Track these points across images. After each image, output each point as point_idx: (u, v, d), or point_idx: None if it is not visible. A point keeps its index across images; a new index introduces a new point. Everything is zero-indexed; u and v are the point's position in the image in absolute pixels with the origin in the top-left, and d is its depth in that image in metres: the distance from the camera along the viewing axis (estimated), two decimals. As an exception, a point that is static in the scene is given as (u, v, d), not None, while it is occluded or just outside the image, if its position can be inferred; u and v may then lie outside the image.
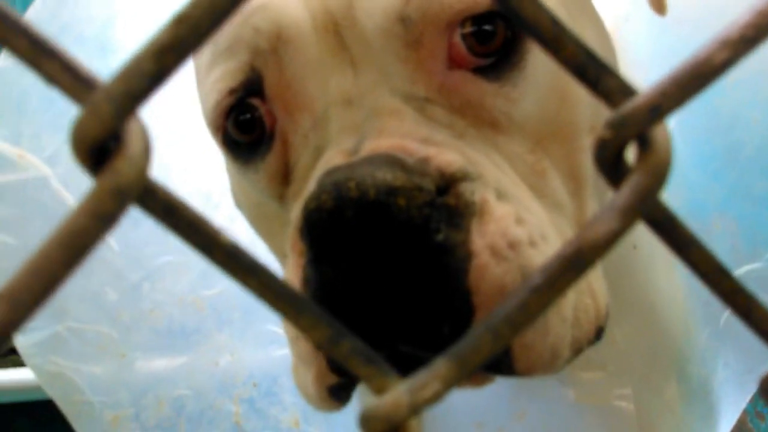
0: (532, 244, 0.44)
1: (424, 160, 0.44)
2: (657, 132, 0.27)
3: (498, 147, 0.49)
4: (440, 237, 0.41)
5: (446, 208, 0.42)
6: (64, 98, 0.23)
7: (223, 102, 0.54)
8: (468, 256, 0.42)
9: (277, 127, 0.53)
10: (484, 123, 0.49)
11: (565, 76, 0.48)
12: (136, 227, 0.92)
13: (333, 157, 0.46)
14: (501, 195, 0.45)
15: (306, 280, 0.43)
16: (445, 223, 0.42)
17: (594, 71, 0.27)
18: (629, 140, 0.27)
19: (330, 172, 0.43)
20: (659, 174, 0.27)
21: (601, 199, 0.55)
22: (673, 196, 0.77)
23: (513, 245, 0.43)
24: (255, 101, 0.53)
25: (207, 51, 0.55)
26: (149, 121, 0.23)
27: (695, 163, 0.76)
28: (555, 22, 0.26)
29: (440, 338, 0.41)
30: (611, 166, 0.28)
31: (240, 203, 0.63)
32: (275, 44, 0.49)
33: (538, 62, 0.49)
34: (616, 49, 0.69)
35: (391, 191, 0.40)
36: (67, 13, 1.11)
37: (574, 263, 0.26)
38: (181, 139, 0.90)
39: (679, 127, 0.76)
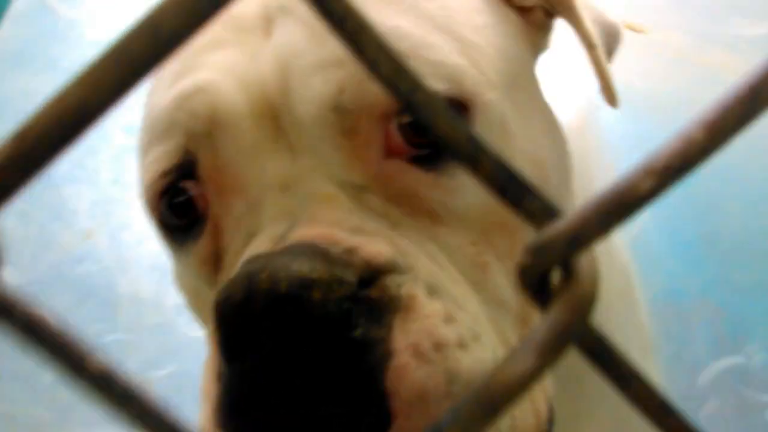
0: (462, 345, 0.42)
1: (350, 251, 0.42)
2: (580, 260, 0.25)
3: (436, 238, 0.47)
4: (358, 333, 0.39)
5: (368, 302, 0.40)
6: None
7: (156, 184, 0.52)
8: (387, 355, 0.39)
9: (210, 211, 0.51)
10: (422, 213, 0.47)
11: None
12: (81, 303, 0.88)
13: (259, 245, 0.45)
14: (432, 290, 0.43)
15: (219, 376, 0.41)
16: (365, 318, 0.40)
17: (515, 191, 0.25)
18: (551, 266, 0.25)
19: (248, 262, 0.42)
20: (582, 305, 0.25)
21: None
22: (651, 284, 0.76)
23: (439, 346, 0.41)
24: (189, 184, 0.51)
25: (145, 132, 0.54)
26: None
27: (673, 252, 0.74)
28: (472, 139, 0.24)
29: None
30: (536, 292, 0.25)
31: (179, 287, 0.61)
32: (210, 128, 0.48)
33: None
34: (591, 132, 0.68)
35: (306, 284, 0.38)
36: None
37: (486, 407, 0.23)
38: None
39: (654, 215, 0.75)
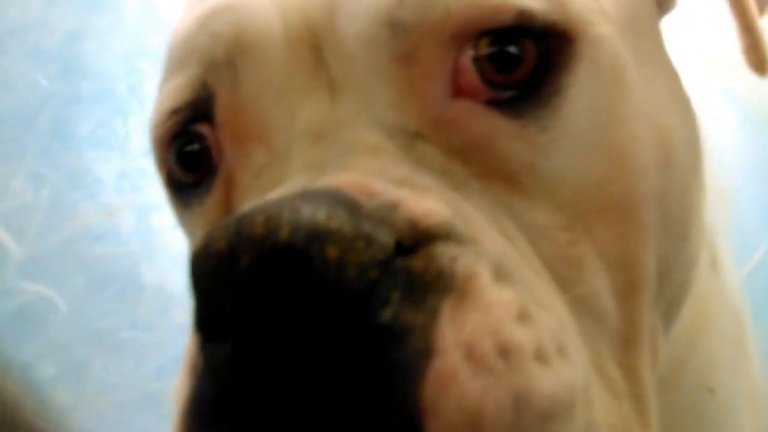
0: (540, 358, 0.32)
1: (390, 205, 0.33)
2: None
3: (513, 211, 0.38)
4: (386, 315, 0.30)
5: (407, 275, 0.31)
6: None
7: (164, 124, 0.44)
8: (427, 352, 0.30)
9: (224, 163, 0.44)
10: (496, 175, 0.38)
11: (624, 128, 0.38)
12: (99, 289, 0.79)
13: (274, 194, 0.37)
14: (502, 274, 0.34)
15: (194, 365, 0.33)
16: (400, 295, 0.31)
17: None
18: None
19: (249, 206, 0.33)
20: None
21: (665, 314, 0.44)
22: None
23: (506, 351, 0.31)
24: (204, 128, 0.44)
25: (165, 62, 0.47)
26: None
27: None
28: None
29: None
30: None
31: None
32: (232, 54, 0.41)
33: (580, 104, 0.39)
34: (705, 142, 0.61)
35: (317, 235, 0.30)
36: (14, 14, 1.04)
37: None
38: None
39: None
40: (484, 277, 0.33)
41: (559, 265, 0.38)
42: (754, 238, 0.84)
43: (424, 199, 0.34)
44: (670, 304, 0.44)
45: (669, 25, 0.48)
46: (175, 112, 0.43)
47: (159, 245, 0.89)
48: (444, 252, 0.32)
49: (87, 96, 1.04)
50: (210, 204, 0.44)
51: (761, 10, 0.51)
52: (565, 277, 0.38)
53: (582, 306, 0.38)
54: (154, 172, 0.47)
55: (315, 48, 0.40)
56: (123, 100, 1.03)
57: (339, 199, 0.31)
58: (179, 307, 0.84)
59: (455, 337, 0.31)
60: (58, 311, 0.83)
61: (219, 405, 0.31)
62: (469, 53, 0.38)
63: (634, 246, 0.40)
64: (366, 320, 0.30)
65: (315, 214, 0.30)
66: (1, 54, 1.08)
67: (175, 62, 0.44)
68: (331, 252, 0.29)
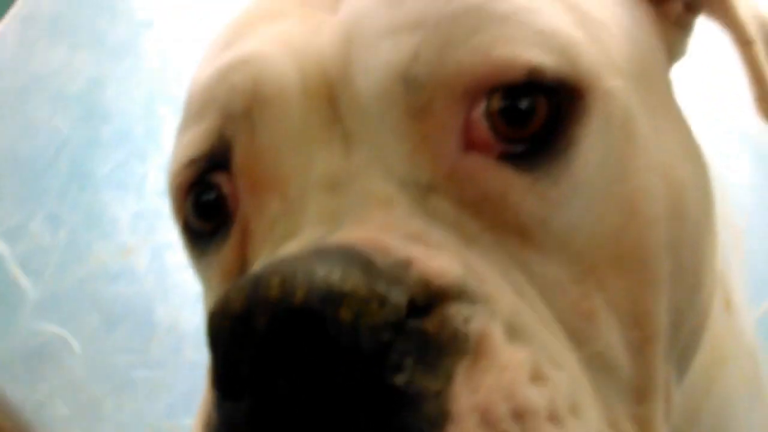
0: (554, 418, 0.32)
1: (404, 264, 0.33)
2: None
3: (526, 265, 0.38)
4: (400, 379, 0.30)
5: (420, 337, 0.31)
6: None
7: (182, 174, 0.45)
8: (442, 418, 0.30)
9: (240, 211, 0.44)
10: (508, 229, 0.38)
11: (635, 180, 0.37)
12: (112, 327, 0.78)
13: (287, 249, 0.37)
14: (516, 333, 0.34)
15: (209, 420, 0.33)
16: (414, 358, 0.31)
17: None
18: None
19: (262, 265, 0.34)
20: None
21: (678, 363, 0.43)
22: None
23: (520, 414, 0.31)
24: (221, 178, 0.44)
25: (183, 112, 0.47)
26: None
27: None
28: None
29: None
30: None
31: (206, 310, 0.52)
32: (250, 106, 0.41)
33: (591, 157, 0.39)
34: (719, 189, 0.60)
35: (332, 297, 0.30)
36: (38, 61, 1.06)
37: None
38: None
39: None
40: (497, 336, 0.33)
41: (572, 319, 0.38)
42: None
43: (438, 256, 0.34)
44: (684, 353, 0.44)
45: (682, 65, 0.49)
46: (192, 162, 0.44)
47: (172, 284, 0.89)
48: (457, 312, 0.32)
49: (106, 139, 1.06)
50: (226, 253, 0.44)
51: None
52: (578, 332, 0.38)
53: (595, 361, 0.38)
54: (168, 212, 0.47)
55: (331, 100, 0.40)
56: (141, 142, 1.04)
57: (353, 258, 0.32)
58: (191, 345, 0.84)
59: (470, 401, 0.31)
60: (72, 350, 0.83)
61: None
62: (481, 107, 0.38)
63: (646, 298, 0.39)
64: (380, 384, 0.30)
65: (329, 275, 0.30)
66: (24, 100, 1.10)
67: (194, 112, 0.44)
68: (346, 314, 0.30)
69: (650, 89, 0.43)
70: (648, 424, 0.37)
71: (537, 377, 0.33)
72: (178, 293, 0.88)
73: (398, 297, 0.31)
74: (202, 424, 0.34)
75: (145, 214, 0.96)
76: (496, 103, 0.38)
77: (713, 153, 0.71)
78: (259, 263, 0.39)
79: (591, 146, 0.38)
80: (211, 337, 0.32)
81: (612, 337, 0.38)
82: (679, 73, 0.47)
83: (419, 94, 0.38)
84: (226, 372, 0.31)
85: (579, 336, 0.37)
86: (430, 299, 0.32)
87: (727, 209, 0.66)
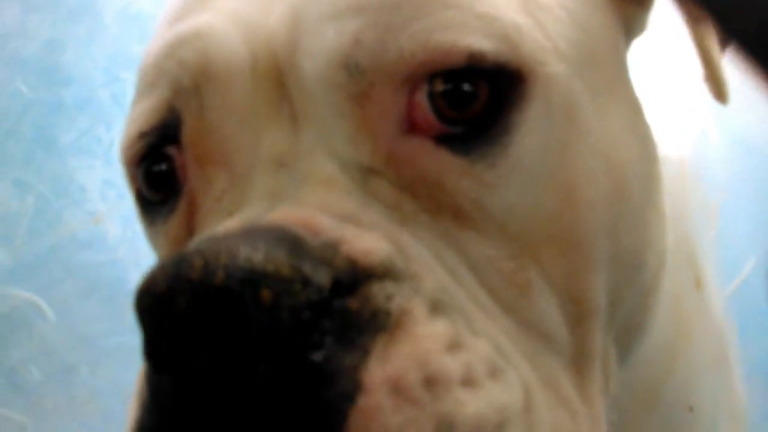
0: (469, 383, 0.33)
1: (333, 244, 0.34)
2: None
3: (460, 244, 0.38)
4: (318, 357, 0.31)
5: (343, 316, 0.32)
6: None
7: (134, 146, 0.45)
8: (355, 391, 0.31)
9: (188, 184, 0.44)
10: (444, 210, 0.39)
11: (575, 164, 0.38)
12: (86, 295, 0.78)
13: (224, 227, 0.38)
14: (438, 308, 0.34)
15: (142, 386, 0.34)
16: (334, 336, 0.32)
17: None
18: None
19: (192, 244, 0.35)
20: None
21: (619, 340, 0.44)
22: (751, 347, 0.70)
23: (432, 381, 0.32)
24: (172, 150, 0.44)
25: (136, 85, 0.47)
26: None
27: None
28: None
29: None
30: None
31: None
32: (199, 81, 0.42)
33: (530, 141, 0.39)
34: (692, 166, 0.61)
35: (252, 278, 0.31)
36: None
37: None
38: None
39: (758, 264, 0.69)
40: (418, 312, 0.34)
41: (505, 292, 0.39)
42: (742, 254, 0.83)
43: (367, 236, 0.35)
44: (626, 329, 0.45)
45: (654, 39, 0.49)
46: (143, 135, 0.44)
47: (146, 252, 0.88)
48: (380, 290, 0.33)
49: (69, 104, 1.03)
50: (173, 223, 0.45)
51: (722, 45, 0.50)
52: (511, 303, 0.39)
53: (531, 328, 0.39)
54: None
55: (279, 80, 0.41)
56: (105, 108, 1.02)
57: (282, 238, 0.33)
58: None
59: (382, 373, 0.32)
60: (45, 317, 0.83)
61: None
62: (423, 90, 0.39)
63: (582, 277, 0.40)
64: (298, 362, 0.31)
65: (252, 256, 0.31)
66: None
67: (145, 85, 0.44)
68: (265, 295, 0.30)
69: (598, 71, 0.43)
70: (586, 392, 0.38)
71: (454, 346, 0.34)
72: (152, 261, 0.87)
73: (322, 277, 0.32)
74: (136, 393, 0.35)
75: (114, 181, 0.95)
76: (438, 86, 0.38)
77: (687, 129, 0.72)
78: (195, 238, 0.40)
79: (530, 130, 0.39)
80: (137, 314, 0.32)
81: (548, 308, 0.39)
82: (652, 48, 0.48)
83: (360, 80, 0.38)
84: (151, 348, 0.32)
85: (512, 305, 0.38)
86: (356, 278, 0.33)
87: (701, 187, 0.65)
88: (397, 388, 0.32)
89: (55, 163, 0.97)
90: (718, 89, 0.50)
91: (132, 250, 0.91)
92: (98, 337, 0.80)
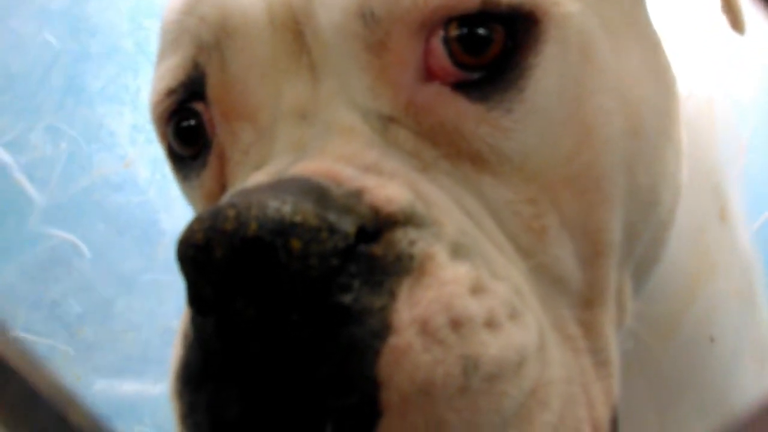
0: (492, 324, 0.34)
1: (356, 193, 0.35)
2: None
3: (480, 189, 0.39)
4: (347, 299, 0.32)
5: (368, 261, 0.33)
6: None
7: (162, 103, 0.46)
8: (384, 330, 0.32)
9: (216, 138, 0.45)
10: (463, 156, 0.39)
11: (591, 102, 0.38)
12: (120, 234, 0.82)
13: (255, 180, 0.39)
14: (459, 252, 0.35)
15: (187, 328, 0.36)
16: (361, 280, 0.33)
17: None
18: None
19: (226, 197, 0.36)
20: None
21: (636, 273, 0.44)
22: None
23: (458, 323, 0.33)
24: (199, 106, 0.45)
25: (159, 41, 0.48)
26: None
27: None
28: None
29: None
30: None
31: None
32: (219, 37, 0.42)
33: (545, 84, 0.39)
34: (720, 103, 0.60)
35: (282, 228, 0.32)
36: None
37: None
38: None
39: None
40: (440, 257, 0.34)
41: (524, 237, 0.39)
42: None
43: (389, 185, 0.36)
44: (643, 263, 0.45)
45: None
46: (171, 92, 0.45)
47: (175, 194, 0.91)
48: (404, 236, 0.34)
49: (96, 53, 1.06)
50: (206, 177, 0.46)
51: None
52: (529, 248, 0.39)
53: (545, 273, 0.39)
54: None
55: (297, 32, 0.41)
56: (131, 56, 1.05)
57: (308, 189, 0.34)
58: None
59: (410, 314, 0.33)
60: (82, 255, 0.87)
61: (205, 370, 0.34)
62: (439, 36, 0.38)
63: (599, 215, 0.40)
64: (328, 304, 0.32)
65: (282, 207, 0.32)
66: (8, 15, 1.09)
67: (168, 43, 0.45)
68: (295, 244, 0.32)
69: (615, 9, 0.42)
70: (595, 328, 0.39)
71: (477, 289, 0.35)
72: (181, 202, 0.89)
73: (347, 225, 0.33)
74: (181, 336, 0.36)
75: (142, 126, 0.98)
76: (454, 30, 0.38)
77: (720, 69, 0.71)
78: (228, 192, 0.41)
79: (545, 73, 0.39)
80: (179, 264, 0.34)
81: (562, 251, 0.40)
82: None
83: (376, 29, 0.38)
84: (194, 294, 0.33)
85: (530, 251, 0.39)
86: (380, 225, 0.34)
87: (730, 123, 0.64)
88: (425, 330, 0.32)
89: (85, 109, 1.01)
90: (735, 19, 0.50)
91: (161, 192, 0.95)
92: (132, 273, 0.83)
